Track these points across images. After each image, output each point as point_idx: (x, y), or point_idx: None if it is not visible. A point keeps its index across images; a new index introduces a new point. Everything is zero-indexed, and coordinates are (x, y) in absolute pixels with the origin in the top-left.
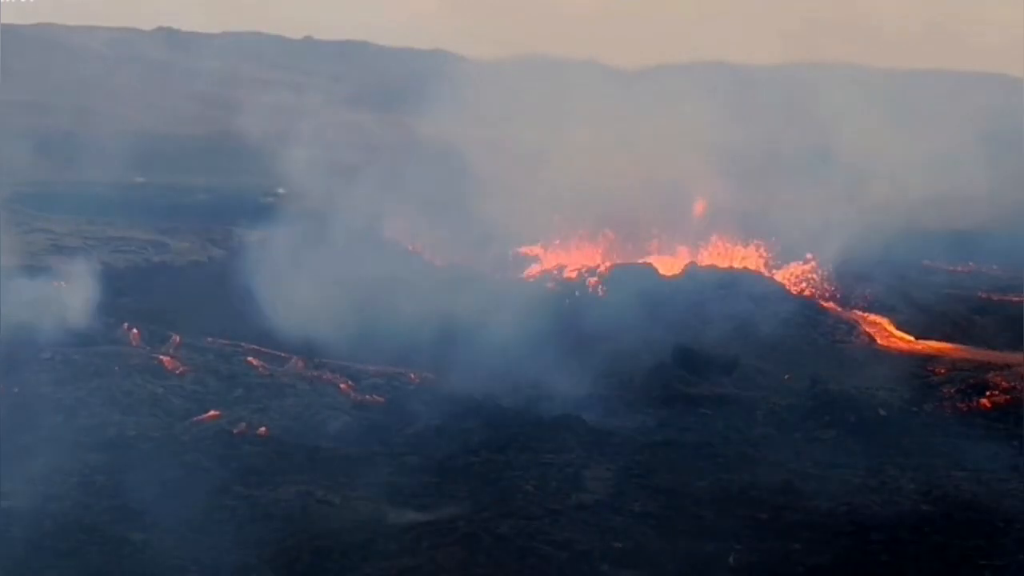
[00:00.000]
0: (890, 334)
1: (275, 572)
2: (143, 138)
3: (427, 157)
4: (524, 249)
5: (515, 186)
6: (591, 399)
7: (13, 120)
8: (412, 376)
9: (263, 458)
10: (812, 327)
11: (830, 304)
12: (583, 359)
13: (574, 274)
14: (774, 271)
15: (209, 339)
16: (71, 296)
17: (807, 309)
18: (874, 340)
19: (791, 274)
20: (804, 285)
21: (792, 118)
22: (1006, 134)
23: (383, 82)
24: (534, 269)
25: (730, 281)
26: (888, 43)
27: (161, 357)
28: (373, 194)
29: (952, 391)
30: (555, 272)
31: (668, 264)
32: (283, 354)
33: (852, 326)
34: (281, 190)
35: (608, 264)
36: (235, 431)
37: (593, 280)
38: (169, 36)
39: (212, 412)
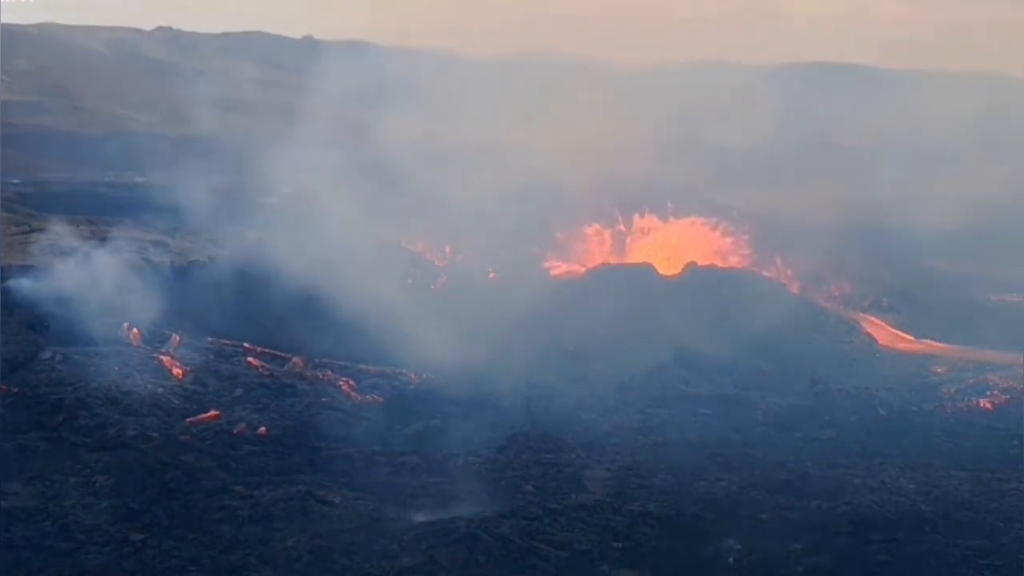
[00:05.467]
0: (890, 334)
1: (275, 572)
2: (143, 138)
3: (427, 157)
4: (525, 249)
5: (516, 186)
6: (591, 399)
7: (13, 120)
8: (412, 376)
9: (263, 458)
10: (812, 327)
11: (830, 304)
12: (583, 358)
13: (575, 274)
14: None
15: (209, 339)
16: None
17: (807, 309)
18: (874, 340)
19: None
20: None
21: (792, 118)
22: (1006, 134)
23: (383, 82)
24: (535, 269)
25: (730, 281)
26: (889, 43)
27: (161, 357)
28: (374, 194)
29: (952, 391)
30: (555, 271)
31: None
32: (283, 354)
33: (852, 326)
34: (285, 190)
35: (608, 263)
36: (235, 431)
37: (593, 279)
38: (169, 36)
39: (212, 412)
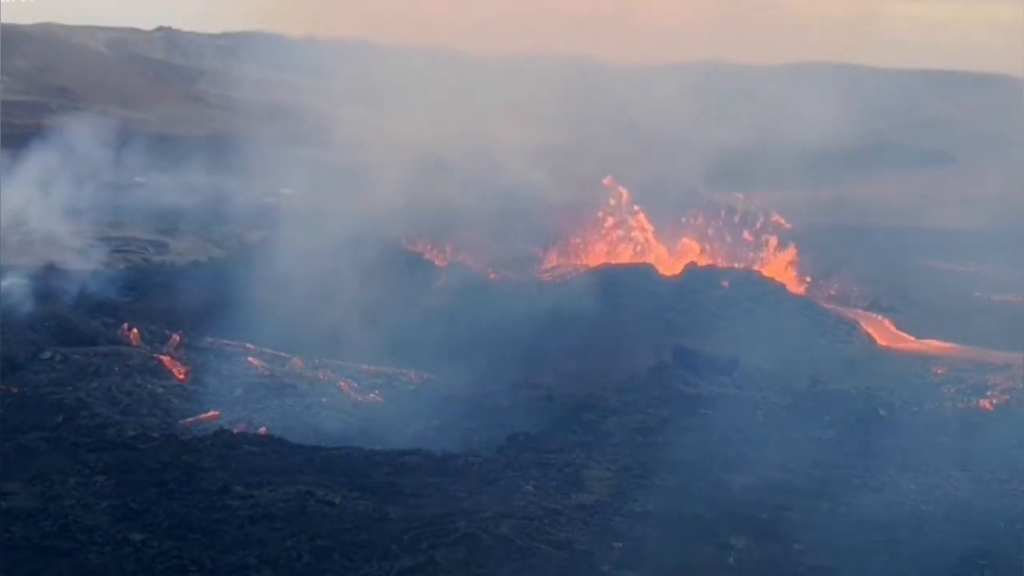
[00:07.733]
0: (890, 334)
1: (275, 572)
2: (145, 138)
3: (428, 157)
4: (525, 248)
5: (517, 185)
6: (590, 399)
7: (13, 120)
8: (412, 376)
9: (263, 458)
10: (812, 327)
11: (830, 304)
12: (582, 358)
13: (573, 274)
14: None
15: (209, 339)
16: None
17: (807, 309)
18: (874, 340)
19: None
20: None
21: (792, 118)
22: (1006, 134)
23: (383, 81)
24: (535, 269)
25: (730, 281)
26: (888, 43)
27: (161, 357)
28: (374, 194)
29: (952, 391)
30: (554, 272)
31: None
32: (283, 354)
33: (852, 326)
34: (286, 191)
35: (608, 263)
36: (235, 431)
37: (593, 279)
38: (169, 36)
39: (212, 412)
